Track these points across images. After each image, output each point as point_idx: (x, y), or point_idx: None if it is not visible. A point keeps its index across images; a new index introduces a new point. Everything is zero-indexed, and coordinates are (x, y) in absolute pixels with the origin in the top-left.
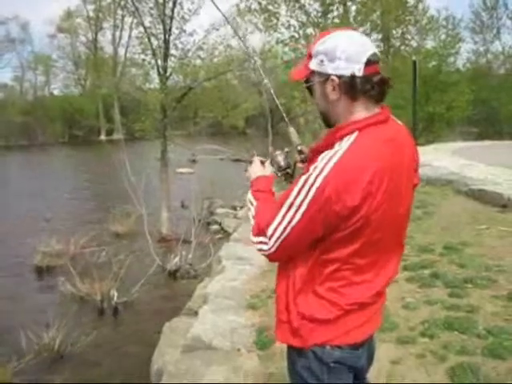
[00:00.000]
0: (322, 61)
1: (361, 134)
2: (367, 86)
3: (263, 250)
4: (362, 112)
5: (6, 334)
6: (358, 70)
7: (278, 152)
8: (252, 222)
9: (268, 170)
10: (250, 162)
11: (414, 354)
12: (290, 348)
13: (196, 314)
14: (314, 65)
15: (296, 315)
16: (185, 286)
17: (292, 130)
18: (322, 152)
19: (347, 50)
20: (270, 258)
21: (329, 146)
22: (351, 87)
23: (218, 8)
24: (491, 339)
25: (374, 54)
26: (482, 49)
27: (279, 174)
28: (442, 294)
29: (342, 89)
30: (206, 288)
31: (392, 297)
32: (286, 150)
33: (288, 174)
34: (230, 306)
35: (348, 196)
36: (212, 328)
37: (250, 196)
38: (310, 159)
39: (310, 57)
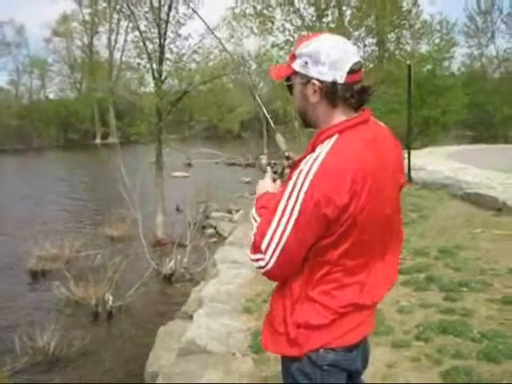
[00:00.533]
0: (306, 63)
1: (341, 136)
2: (347, 94)
3: (261, 267)
4: (340, 117)
5: (0, 338)
6: (340, 77)
7: (278, 136)
8: (252, 239)
9: (278, 188)
10: (264, 172)
11: (408, 357)
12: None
13: (191, 317)
14: (297, 66)
15: (292, 325)
16: (180, 289)
17: (279, 136)
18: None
19: (331, 56)
20: (270, 274)
21: (310, 151)
22: (332, 93)
23: (203, 21)
24: (486, 343)
25: (357, 63)
26: (476, 53)
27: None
28: (437, 297)
29: (323, 93)
30: (200, 292)
31: (387, 300)
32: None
33: (274, 179)
34: (224, 309)
35: (336, 197)
36: (207, 332)
37: (253, 212)
38: (293, 167)
39: (293, 57)
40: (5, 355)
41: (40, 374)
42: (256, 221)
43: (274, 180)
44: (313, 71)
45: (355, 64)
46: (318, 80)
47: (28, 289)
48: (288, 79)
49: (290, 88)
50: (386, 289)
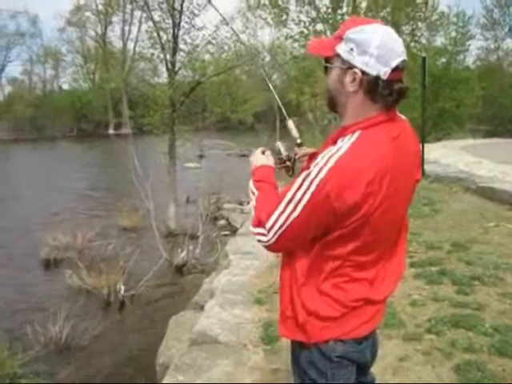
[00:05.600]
0: (351, 49)
1: (363, 133)
2: (386, 92)
3: (262, 242)
4: (373, 111)
5: (13, 326)
6: (384, 73)
7: (279, 143)
8: (252, 212)
9: (270, 159)
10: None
11: (420, 350)
12: (294, 342)
13: (202, 308)
14: (341, 50)
15: (301, 309)
16: (191, 280)
17: (290, 123)
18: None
19: (381, 50)
20: (269, 249)
21: (330, 144)
22: (372, 88)
23: (217, 10)
24: (498, 337)
25: (404, 61)
26: (492, 46)
27: (279, 167)
28: (449, 291)
29: (363, 85)
30: (212, 283)
31: (399, 293)
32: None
33: (288, 167)
34: (236, 300)
35: (348, 194)
36: (218, 322)
37: (251, 185)
38: (310, 158)
39: (339, 39)
40: (17, 344)
41: (52, 363)
42: (254, 194)
43: (263, 152)
44: (357, 60)
45: (402, 62)
46: (361, 71)
47: (40, 277)
48: (327, 60)
49: (326, 68)
50: (396, 282)
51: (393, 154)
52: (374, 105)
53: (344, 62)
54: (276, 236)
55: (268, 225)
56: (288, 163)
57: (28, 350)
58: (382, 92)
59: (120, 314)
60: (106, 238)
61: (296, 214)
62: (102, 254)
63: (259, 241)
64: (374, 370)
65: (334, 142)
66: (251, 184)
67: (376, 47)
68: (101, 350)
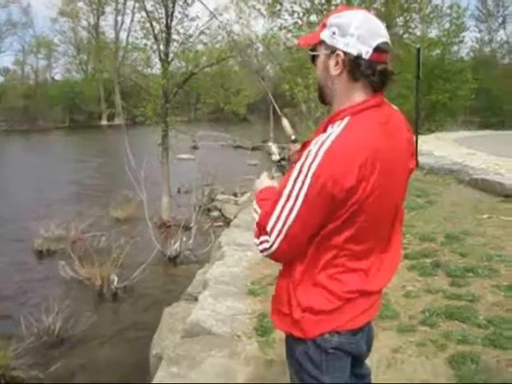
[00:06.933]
0: (333, 33)
1: (353, 118)
2: (369, 71)
3: (265, 250)
4: (359, 95)
5: (5, 318)
6: (366, 52)
7: (271, 144)
8: (255, 227)
9: (275, 183)
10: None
11: (414, 342)
12: (289, 335)
13: (196, 299)
14: (325, 35)
15: (296, 307)
16: (185, 271)
17: (285, 121)
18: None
19: (361, 29)
20: (274, 256)
21: (321, 131)
22: (354, 67)
23: (204, 5)
24: (492, 329)
25: (386, 43)
26: (486, 37)
27: (275, 168)
28: (443, 283)
29: (345, 66)
30: (205, 274)
31: (393, 285)
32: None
33: (283, 167)
34: (230, 292)
35: (344, 179)
36: (212, 314)
37: (255, 205)
38: (302, 146)
39: (323, 26)
40: (10, 336)
41: (45, 356)
42: (257, 212)
43: (272, 178)
44: (339, 42)
45: (383, 43)
46: (343, 52)
47: (33, 269)
48: (314, 49)
49: (314, 58)
50: (391, 274)
51: (383, 139)
52: (358, 85)
53: (328, 46)
54: (279, 238)
55: (268, 228)
56: (283, 163)
57: (21, 342)
58: (365, 71)
59: (113, 305)
60: (99, 229)
61: (296, 210)
62: (94, 245)
63: (263, 250)
64: (368, 361)
65: (325, 130)
66: (255, 204)
67: (356, 27)
68: (94, 341)
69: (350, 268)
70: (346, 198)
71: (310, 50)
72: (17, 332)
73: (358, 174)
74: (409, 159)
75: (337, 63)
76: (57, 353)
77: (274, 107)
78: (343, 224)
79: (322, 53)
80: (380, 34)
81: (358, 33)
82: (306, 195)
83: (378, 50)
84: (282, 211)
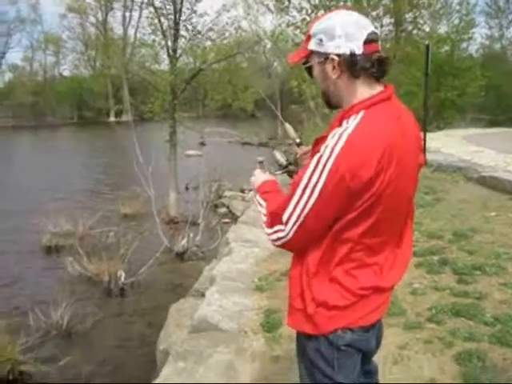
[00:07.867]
0: (321, 40)
1: (367, 111)
2: (367, 64)
3: (280, 238)
4: (364, 90)
5: (14, 312)
6: (358, 47)
7: (276, 152)
8: (264, 218)
9: (270, 176)
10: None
11: (421, 339)
12: (300, 333)
13: (203, 295)
14: (312, 45)
15: (310, 301)
16: (192, 267)
17: (288, 126)
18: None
19: (346, 28)
20: (288, 245)
21: (337, 126)
22: (352, 64)
23: None
24: (499, 327)
25: (373, 33)
26: (496, 34)
27: (282, 172)
28: (450, 280)
29: (343, 67)
30: (213, 270)
31: (400, 282)
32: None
33: (290, 171)
34: (237, 288)
35: (362, 171)
36: (219, 310)
37: (258, 198)
38: (317, 142)
39: (308, 38)
40: (19, 330)
41: (53, 350)
42: (262, 205)
43: (263, 171)
44: (329, 47)
45: (371, 34)
46: (336, 54)
47: (42, 264)
48: (306, 62)
49: (310, 71)
50: (403, 270)
51: (398, 132)
52: (360, 80)
53: (319, 54)
54: (294, 228)
55: (284, 218)
56: (291, 167)
57: (29, 336)
58: (363, 65)
59: (120, 301)
60: (107, 225)
61: (312, 201)
62: (102, 241)
63: (277, 239)
64: (375, 358)
65: (340, 124)
66: (258, 198)
67: (341, 28)
68: (102, 337)
69: (366, 263)
70: (364, 190)
71: (303, 63)
72: (25, 326)
73: (376, 166)
74: (418, 154)
75: (334, 67)
76: (65, 347)
77: (282, 104)
78: (360, 216)
79: (315, 62)
80: (364, 26)
81: (345, 32)
82: (323, 187)
83: (367, 41)
84: (298, 203)
